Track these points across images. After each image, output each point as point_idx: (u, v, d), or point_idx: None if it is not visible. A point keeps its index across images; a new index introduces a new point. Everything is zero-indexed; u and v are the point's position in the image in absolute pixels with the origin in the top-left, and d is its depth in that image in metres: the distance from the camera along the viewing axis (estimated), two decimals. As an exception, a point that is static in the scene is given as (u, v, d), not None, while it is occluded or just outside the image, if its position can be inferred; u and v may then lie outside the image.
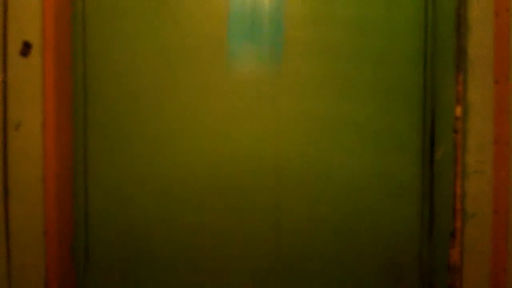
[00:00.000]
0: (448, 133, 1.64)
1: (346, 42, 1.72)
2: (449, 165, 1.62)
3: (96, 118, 1.72)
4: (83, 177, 1.72)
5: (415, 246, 1.75)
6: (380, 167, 1.74)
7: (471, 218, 1.57)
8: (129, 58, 1.71)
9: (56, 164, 1.56)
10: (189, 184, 1.73)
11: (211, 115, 1.72)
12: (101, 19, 1.71)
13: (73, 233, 1.71)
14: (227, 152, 1.72)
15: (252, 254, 1.75)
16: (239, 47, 1.72)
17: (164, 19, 1.71)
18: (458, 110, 1.59)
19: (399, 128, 1.74)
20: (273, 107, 1.73)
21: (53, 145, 1.54)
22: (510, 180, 1.56)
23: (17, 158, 1.52)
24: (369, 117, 1.73)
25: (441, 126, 1.68)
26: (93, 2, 1.70)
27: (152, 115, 1.72)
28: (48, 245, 1.54)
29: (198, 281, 1.74)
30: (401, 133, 1.74)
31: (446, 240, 1.63)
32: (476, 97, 1.56)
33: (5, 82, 1.51)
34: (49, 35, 1.54)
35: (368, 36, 1.72)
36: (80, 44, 1.70)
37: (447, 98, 1.64)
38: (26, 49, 1.52)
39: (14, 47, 1.52)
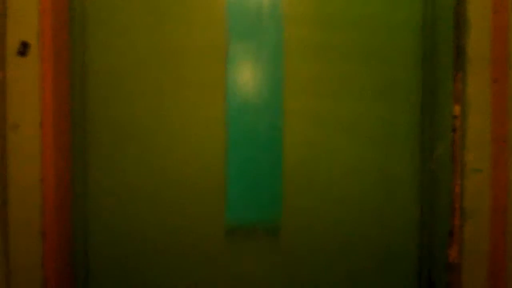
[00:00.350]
0: (446, 131, 1.64)
1: (344, 41, 1.72)
2: (447, 164, 1.63)
3: (95, 118, 1.71)
4: (82, 178, 1.71)
5: (413, 244, 1.75)
6: (378, 166, 1.74)
7: (470, 217, 1.57)
8: (129, 57, 1.71)
9: (55, 165, 1.55)
10: (190, 185, 1.73)
11: (212, 116, 1.72)
12: (100, 18, 1.70)
13: (72, 234, 1.70)
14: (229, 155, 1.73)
15: (252, 251, 1.75)
16: (238, 47, 1.72)
17: (163, 18, 1.71)
18: (457, 109, 1.59)
19: (397, 126, 1.74)
20: (272, 106, 1.73)
21: (51, 145, 1.54)
22: (508, 178, 1.56)
23: (15, 159, 1.51)
24: (368, 116, 1.73)
25: (440, 125, 1.69)
26: (92, 1, 1.70)
27: (152, 115, 1.72)
28: (46, 247, 1.53)
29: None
30: (399, 132, 1.74)
31: (445, 239, 1.63)
32: (474, 95, 1.56)
33: (2, 82, 1.50)
34: (47, 35, 1.53)
35: (366, 35, 1.72)
36: (78, 44, 1.69)
37: (446, 96, 1.64)
38: (24, 48, 1.51)
39: (11, 47, 1.51)
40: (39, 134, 1.52)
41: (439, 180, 1.69)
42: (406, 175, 1.74)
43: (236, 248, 1.75)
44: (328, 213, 1.74)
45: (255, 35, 1.73)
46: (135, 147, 1.72)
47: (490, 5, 1.54)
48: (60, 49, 1.62)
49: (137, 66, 1.71)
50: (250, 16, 1.73)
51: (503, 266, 1.56)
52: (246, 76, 1.74)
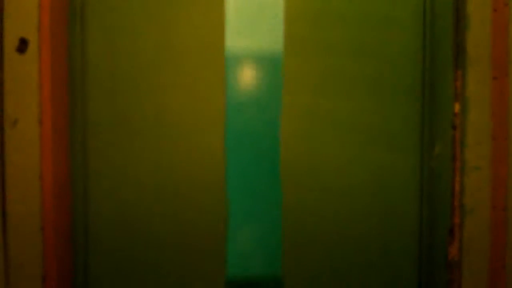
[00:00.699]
0: (446, 129, 1.64)
1: (345, 39, 1.72)
2: (447, 161, 1.62)
3: (94, 115, 1.71)
4: (81, 174, 1.71)
5: (414, 242, 1.75)
6: (378, 163, 1.74)
7: (470, 214, 1.57)
8: (128, 54, 1.70)
9: (53, 161, 1.55)
10: (190, 183, 1.72)
11: (211, 113, 1.71)
12: (99, 15, 1.70)
13: (72, 229, 1.70)
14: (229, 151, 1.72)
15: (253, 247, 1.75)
16: (238, 45, 1.72)
17: (162, 15, 1.70)
18: (457, 106, 1.59)
19: (398, 124, 1.74)
20: (272, 103, 1.73)
21: (50, 142, 1.53)
22: (508, 175, 1.56)
23: (14, 155, 1.51)
24: (368, 113, 1.73)
25: (440, 122, 1.69)
26: (90, -2, 1.70)
27: (151, 112, 1.71)
28: (46, 242, 1.53)
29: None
30: (400, 129, 1.74)
31: (445, 236, 1.63)
32: (474, 93, 1.56)
33: (1, 79, 1.50)
34: (46, 32, 1.53)
35: (366, 32, 1.72)
36: (78, 41, 1.69)
37: (446, 94, 1.64)
38: (22, 45, 1.51)
39: (10, 44, 1.50)
40: (38, 131, 1.52)
41: (439, 177, 1.68)
42: (406, 172, 1.74)
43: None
44: (326, 208, 1.74)
45: (255, 33, 1.73)
46: (133, 143, 1.71)
47: (489, 2, 1.55)
48: (59, 46, 1.61)
49: (137, 62, 1.70)
50: (250, 14, 1.73)
51: (503, 263, 1.56)
52: (245, 73, 1.74)
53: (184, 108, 1.71)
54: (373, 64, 1.72)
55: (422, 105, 1.73)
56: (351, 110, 1.73)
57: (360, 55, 1.72)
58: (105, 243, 1.73)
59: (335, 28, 1.71)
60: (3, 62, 1.50)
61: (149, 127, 1.71)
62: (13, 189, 1.51)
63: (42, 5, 1.52)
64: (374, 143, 1.73)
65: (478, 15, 1.55)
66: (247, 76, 1.73)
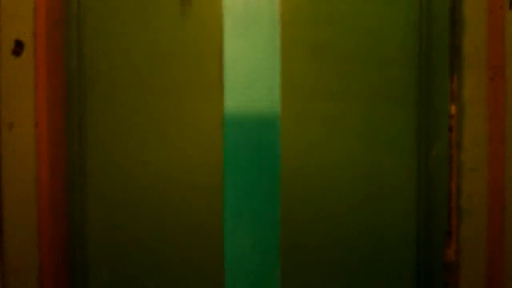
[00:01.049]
0: (443, 131, 1.64)
1: (340, 42, 1.72)
2: (444, 164, 1.63)
3: (91, 118, 1.70)
4: (78, 178, 1.70)
5: (410, 244, 1.75)
6: (375, 166, 1.74)
7: (467, 216, 1.57)
8: (125, 56, 1.70)
9: (50, 165, 1.54)
10: (188, 185, 1.72)
11: (209, 117, 1.71)
12: (95, 17, 1.69)
13: (69, 234, 1.69)
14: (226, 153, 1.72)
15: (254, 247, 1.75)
16: (235, 47, 1.72)
17: (159, 16, 1.70)
18: (453, 109, 1.60)
19: (394, 126, 1.74)
20: (269, 106, 1.73)
21: (46, 145, 1.53)
22: (505, 177, 1.56)
23: (10, 159, 1.50)
24: (364, 115, 1.73)
25: (436, 125, 1.69)
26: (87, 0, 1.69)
27: (149, 114, 1.71)
28: (42, 246, 1.52)
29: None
30: (395, 132, 1.74)
31: (442, 239, 1.63)
32: (470, 95, 1.57)
33: (-3, 82, 1.49)
34: (42, 34, 1.52)
35: (362, 35, 1.72)
36: (74, 43, 1.69)
37: (442, 96, 1.64)
38: (18, 48, 1.50)
39: (6, 46, 1.50)
40: (34, 134, 1.51)
41: (436, 179, 1.68)
42: (402, 174, 1.74)
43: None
44: (322, 210, 1.74)
45: (252, 35, 1.73)
46: (131, 146, 1.71)
47: (485, 4, 1.55)
48: (56, 48, 1.61)
49: (134, 64, 1.70)
50: (247, 16, 1.73)
51: (501, 265, 1.56)
52: (242, 76, 1.74)
53: (183, 109, 1.71)
54: (368, 67, 1.72)
55: (418, 107, 1.73)
56: (347, 113, 1.73)
57: (355, 57, 1.72)
58: (102, 245, 1.72)
59: (331, 31, 1.71)
60: (-1, 65, 1.50)
61: (147, 129, 1.71)
62: (9, 193, 1.50)
63: (38, 7, 1.52)
64: (370, 145, 1.73)
65: (474, 17, 1.55)
66: (244, 77, 1.74)
